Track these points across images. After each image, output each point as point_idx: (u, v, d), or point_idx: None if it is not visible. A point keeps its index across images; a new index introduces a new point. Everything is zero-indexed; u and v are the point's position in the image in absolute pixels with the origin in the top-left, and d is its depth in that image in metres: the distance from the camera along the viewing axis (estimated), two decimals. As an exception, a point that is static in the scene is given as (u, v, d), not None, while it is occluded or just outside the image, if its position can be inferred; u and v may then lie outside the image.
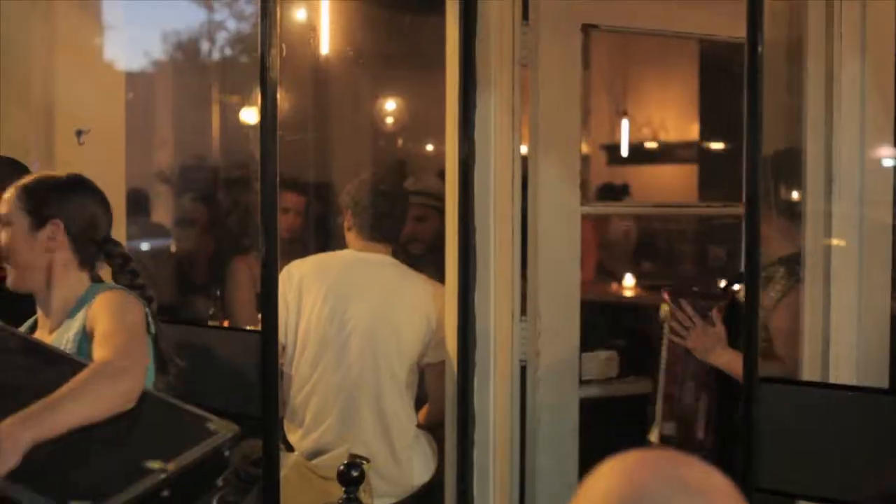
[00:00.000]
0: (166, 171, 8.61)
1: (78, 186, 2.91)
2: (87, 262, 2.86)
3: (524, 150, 3.75)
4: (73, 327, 2.73)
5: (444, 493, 3.72)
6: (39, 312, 2.89)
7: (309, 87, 5.96)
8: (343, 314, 3.87)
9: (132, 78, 7.36)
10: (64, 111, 5.37)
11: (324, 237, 5.79)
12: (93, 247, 2.88)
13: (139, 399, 2.32)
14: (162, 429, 2.34)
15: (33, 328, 2.89)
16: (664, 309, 3.63)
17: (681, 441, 3.58)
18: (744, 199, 2.85)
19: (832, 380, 3.20)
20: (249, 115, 7.43)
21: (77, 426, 2.17)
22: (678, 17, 4.09)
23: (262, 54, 3.39)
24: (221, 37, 10.05)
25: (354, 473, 2.99)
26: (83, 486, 2.02)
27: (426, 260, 4.36)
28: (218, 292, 5.21)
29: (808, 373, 3.26)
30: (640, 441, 4.07)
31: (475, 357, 3.62)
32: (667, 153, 8.72)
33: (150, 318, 2.76)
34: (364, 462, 3.11)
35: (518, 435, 3.73)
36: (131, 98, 6.73)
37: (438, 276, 3.92)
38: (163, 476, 2.11)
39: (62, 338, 2.72)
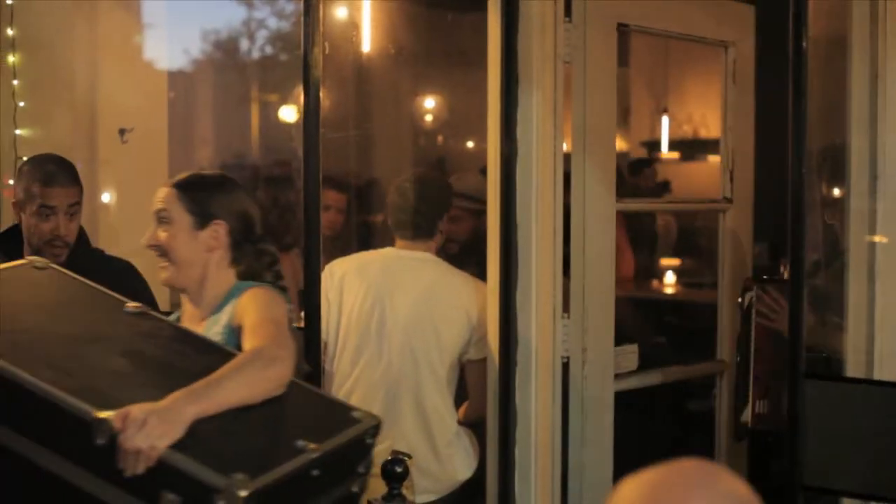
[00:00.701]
0: (207, 168, 8.66)
1: (234, 186, 2.98)
2: (238, 260, 2.93)
3: (565, 147, 3.76)
4: (220, 321, 2.81)
5: (486, 490, 3.73)
6: (186, 306, 2.94)
7: (350, 84, 5.99)
8: (383, 311, 3.89)
9: (172, 77, 7.40)
10: (107, 110, 5.42)
11: (365, 234, 5.81)
12: (247, 245, 2.95)
13: (288, 386, 2.44)
14: (311, 414, 2.46)
15: (178, 321, 2.94)
16: (749, 296, 3.70)
17: (772, 418, 3.66)
18: (789, 195, 2.84)
19: (876, 376, 3.19)
20: (288, 114, 7.47)
21: (234, 406, 2.27)
22: (704, 22, 4.13)
23: (305, 52, 3.41)
24: (261, 35, 10.10)
25: (398, 469, 3.01)
26: (241, 460, 2.12)
27: (461, 259, 4.37)
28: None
29: (853, 369, 3.25)
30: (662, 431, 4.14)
31: (517, 355, 3.62)
32: (707, 150, 8.68)
33: (291, 317, 2.82)
34: (407, 458, 3.12)
35: (560, 432, 3.73)
36: (172, 97, 6.78)
37: (474, 275, 3.94)
38: (314, 456, 2.21)
39: (209, 331, 2.79)
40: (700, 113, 8.71)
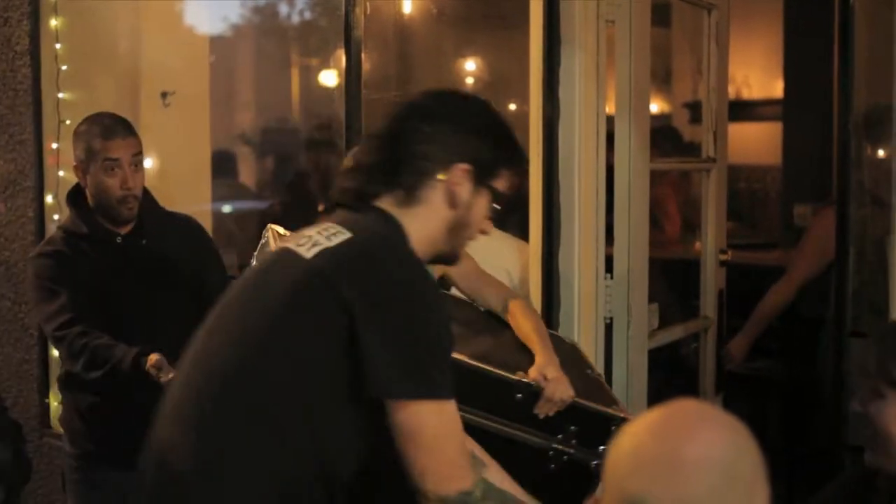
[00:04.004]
0: (248, 133, 8.69)
1: None
2: None
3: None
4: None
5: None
6: None
7: (391, 45, 5.97)
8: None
9: (213, 41, 7.42)
10: (149, 74, 5.45)
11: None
12: None
13: None
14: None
15: None
16: None
17: None
18: (835, 157, 2.82)
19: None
20: (329, 78, 7.48)
21: None
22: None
23: (347, 12, 3.42)
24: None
25: None
26: (605, 398, 2.87)
27: (507, 219, 4.35)
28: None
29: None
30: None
31: (560, 315, 3.62)
32: (750, 111, 8.60)
33: None
34: None
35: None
36: (213, 61, 6.80)
37: (520, 234, 3.93)
38: (621, 416, 2.77)
39: None
40: (742, 74, 8.63)
